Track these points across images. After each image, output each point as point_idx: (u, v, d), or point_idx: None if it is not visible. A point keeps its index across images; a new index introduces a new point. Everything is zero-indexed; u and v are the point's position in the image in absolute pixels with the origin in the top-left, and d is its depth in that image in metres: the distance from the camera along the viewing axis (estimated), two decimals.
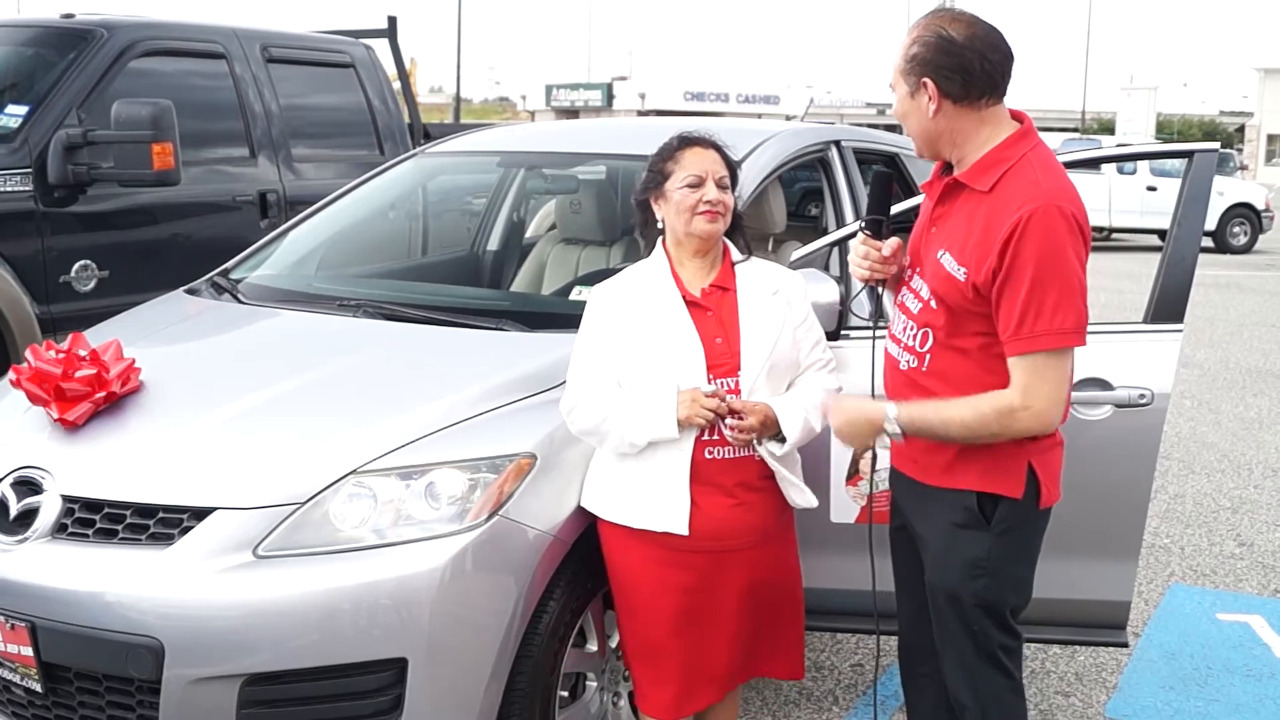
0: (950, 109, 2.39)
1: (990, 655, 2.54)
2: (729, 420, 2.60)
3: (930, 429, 2.43)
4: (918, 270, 2.53)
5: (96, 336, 3.25)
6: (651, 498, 2.65)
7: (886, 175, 2.68)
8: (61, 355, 2.93)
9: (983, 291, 2.33)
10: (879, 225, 2.58)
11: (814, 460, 2.99)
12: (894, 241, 2.58)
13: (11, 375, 3.02)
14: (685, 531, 2.63)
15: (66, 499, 2.71)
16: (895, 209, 2.69)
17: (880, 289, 2.65)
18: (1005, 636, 2.54)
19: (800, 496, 2.78)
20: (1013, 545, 2.48)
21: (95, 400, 2.88)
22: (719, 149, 2.78)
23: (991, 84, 2.38)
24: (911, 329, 2.51)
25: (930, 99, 2.38)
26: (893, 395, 2.58)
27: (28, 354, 3.00)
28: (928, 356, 2.47)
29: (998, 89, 2.40)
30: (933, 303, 2.44)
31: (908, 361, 2.52)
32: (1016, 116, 2.45)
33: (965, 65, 2.36)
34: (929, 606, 2.60)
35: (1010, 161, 2.37)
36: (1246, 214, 20.70)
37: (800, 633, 2.93)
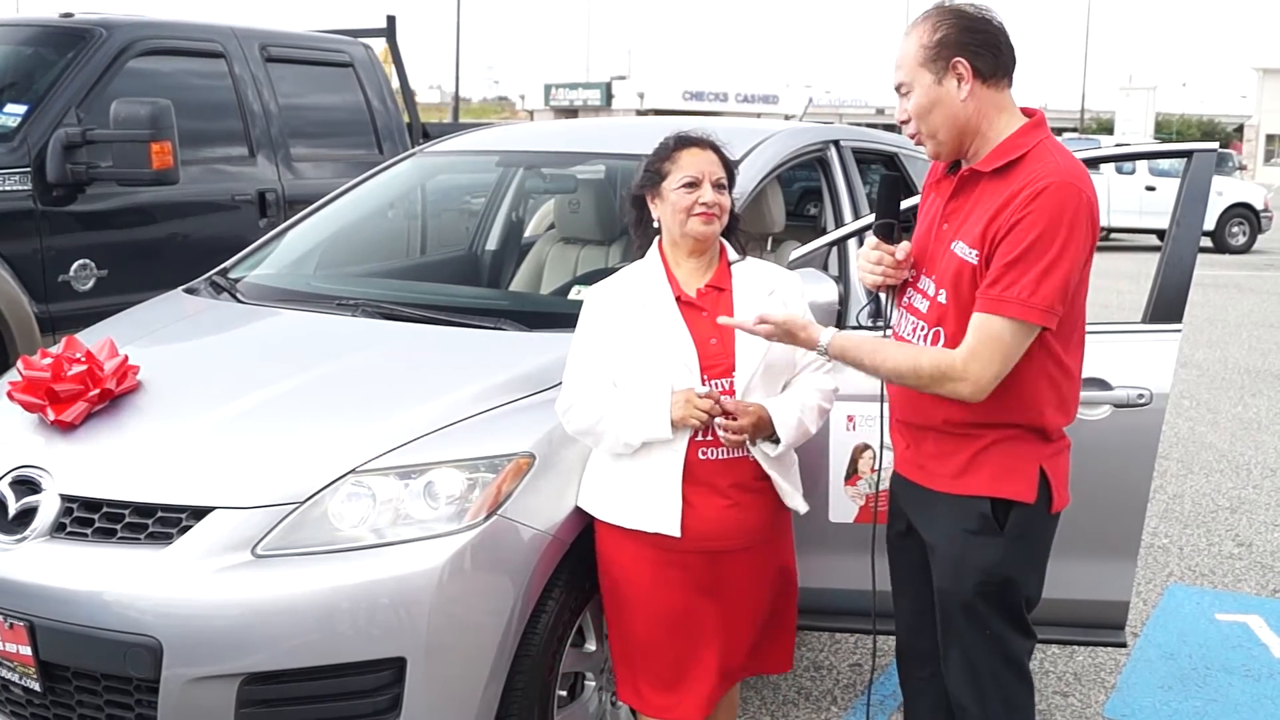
0: (980, 89, 2.37)
1: (1006, 658, 2.53)
2: (722, 420, 2.60)
3: (857, 361, 2.46)
4: (924, 270, 2.52)
5: (94, 336, 3.25)
6: (645, 498, 2.65)
7: (895, 178, 2.67)
8: (51, 360, 2.93)
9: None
10: (890, 229, 2.56)
11: (812, 460, 2.99)
12: (905, 245, 2.55)
13: (6, 387, 3.03)
14: (677, 533, 2.63)
15: (65, 498, 2.71)
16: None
17: (886, 294, 2.64)
18: (1022, 639, 2.54)
19: (790, 500, 2.76)
20: (1026, 549, 2.47)
21: (90, 399, 2.88)
22: (717, 149, 2.77)
23: (1012, 62, 2.40)
24: (922, 329, 2.49)
25: (963, 79, 2.36)
26: (903, 399, 2.57)
27: (18, 365, 3.00)
28: None
29: (1012, 71, 2.41)
30: (941, 298, 2.42)
31: None
32: (1027, 111, 2.45)
33: (994, 41, 2.37)
34: (934, 611, 2.58)
35: (1027, 147, 2.36)
36: (1245, 214, 20.70)
37: (792, 624, 2.92)
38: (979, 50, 2.36)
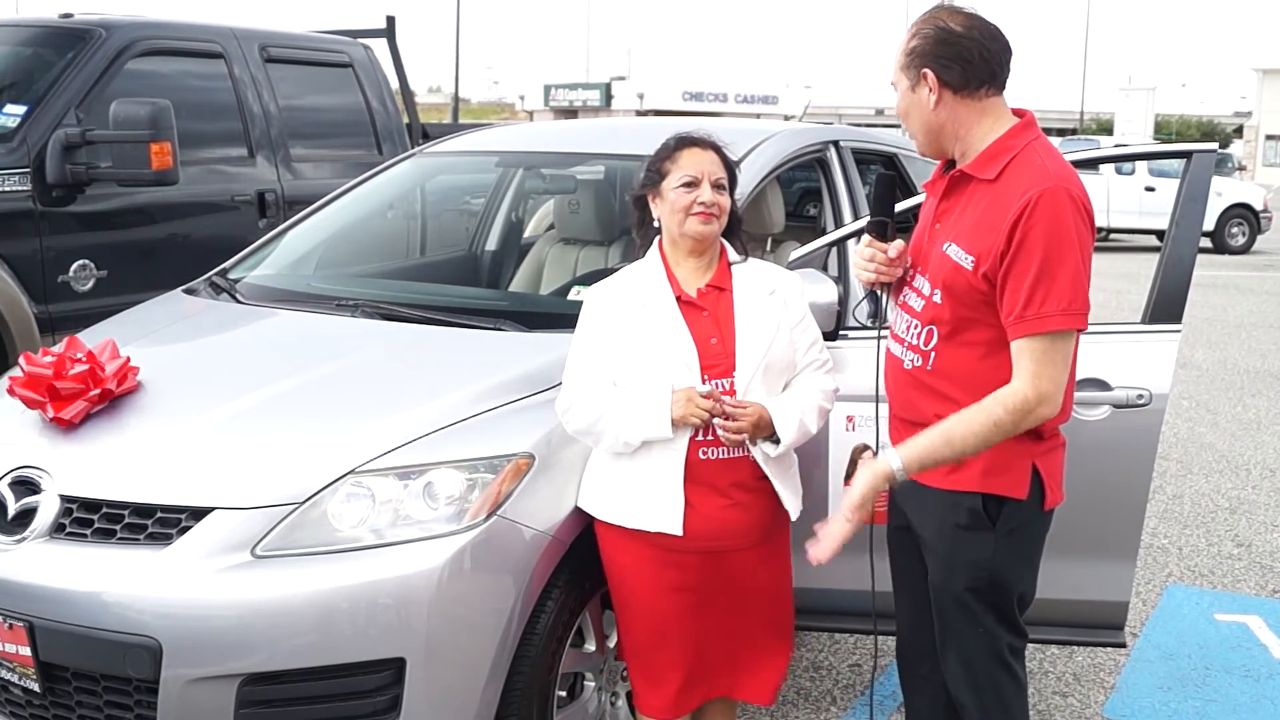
0: (951, 100, 2.40)
1: (997, 655, 2.54)
2: (722, 420, 2.60)
3: (941, 459, 2.39)
4: (919, 269, 2.54)
5: (94, 336, 3.25)
6: (646, 498, 2.65)
7: (889, 177, 2.68)
8: (54, 358, 2.93)
9: (992, 279, 2.34)
10: (884, 227, 2.58)
11: (811, 460, 2.99)
12: (899, 244, 2.58)
13: (7, 383, 3.03)
14: (679, 532, 2.63)
15: (65, 499, 2.71)
16: (898, 208, 2.69)
17: (883, 292, 2.65)
18: (1012, 636, 2.55)
19: (792, 500, 2.76)
20: (1017, 546, 2.48)
21: (90, 398, 2.88)
22: (718, 150, 2.78)
23: (990, 73, 2.40)
24: (916, 327, 2.51)
25: (931, 90, 2.40)
26: (897, 396, 2.59)
27: (21, 361, 3.00)
28: (933, 354, 2.47)
29: (997, 78, 2.42)
30: (936, 297, 2.44)
31: (912, 360, 2.52)
32: (1017, 112, 2.47)
33: (964, 54, 2.38)
34: (930, 607, 2.60)
35: (1015, 150, 2.38)
36: (1245, 215, 20.69)
37: (783, 658, 2.89)
38: (948, 64, 2.38)
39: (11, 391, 2.95)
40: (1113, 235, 21.24)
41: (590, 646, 2.97)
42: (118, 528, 2.64)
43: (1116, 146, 18.70)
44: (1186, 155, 3.15)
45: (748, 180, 3.50)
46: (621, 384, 2.68)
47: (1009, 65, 2.44)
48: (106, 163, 5.05)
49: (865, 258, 2.59)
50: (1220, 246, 20.34)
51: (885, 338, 2.65)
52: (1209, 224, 19.52)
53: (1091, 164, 3.43)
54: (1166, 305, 3.05)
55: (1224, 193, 20.27)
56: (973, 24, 2.40)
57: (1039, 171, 2.32)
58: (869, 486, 2.42)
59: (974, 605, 2.49)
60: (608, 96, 61.09)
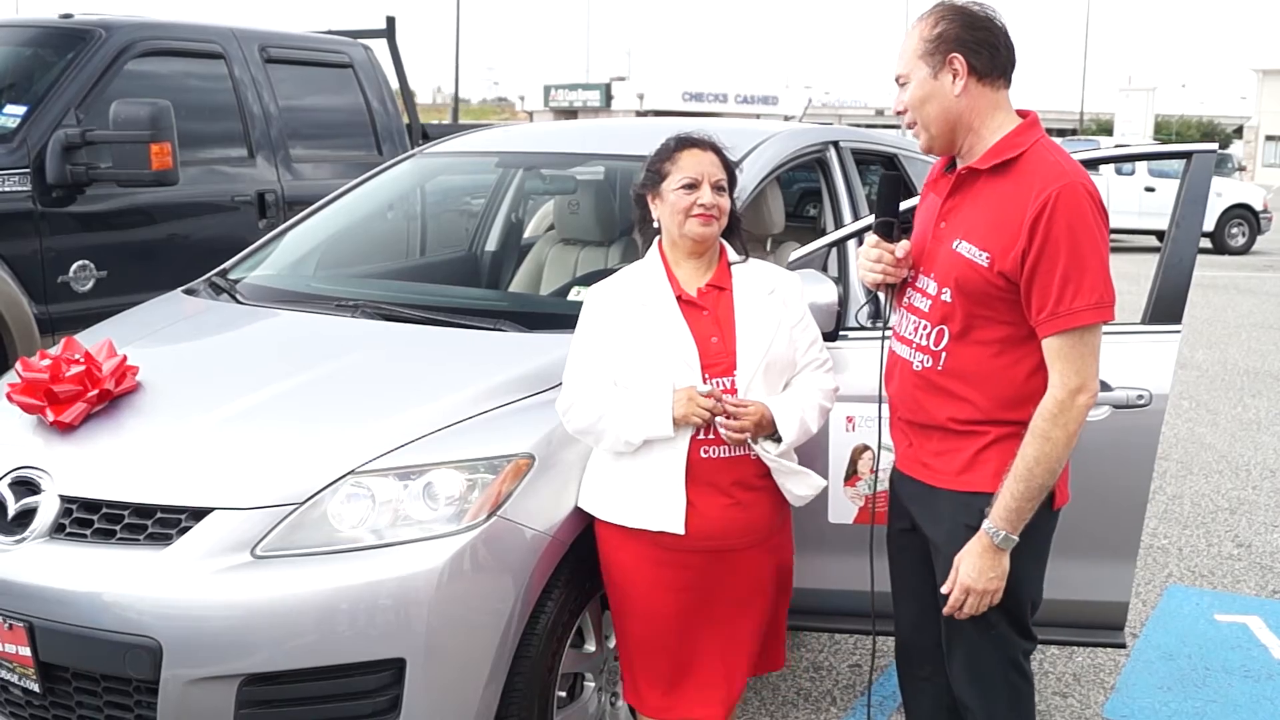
0: (975, 87, 2.40)
1: (1010, 660, 2.54)
2: (724, 419, 2.60)
3: (1029, 499, 2.35)
4: (923, 269, 2.53)
5: (94, 337, 3.25)
6: (647, 497, 2.65)
7: (895, 177, 2.68)
8: (50, 361, 2.93)
9: (1010, 277, 2.34)
10: (890, 227, 2.58)
11: (811, 461, 2.98)
12: (905, 244, 2.57)
13: (5, 388, 3.03)
14: (681, 531, 2.63)
15: (64, 499, 2.71)
16: (901, 208, 2.69)
17: (886, 294, 2.64)
18: (1023, 640, 2.55)
19: (802, 485, 2.75)
20: (1026, 546, 2.46)
21: (89, 399, 2.88)
22: (718, 150, 2.78)
23: (1011, 62, 2.43)
24: (925, 328, 2.50)
25: (957, 75, 2.39)
26: (905, 398, 2.57)
27: (17, 366, 3.00)
28: (944, 355, 2.46)
29: (1009, 72, 2.44)
30: (945, 296, 2.43)
31: (921, 362, 2.50)
32: (1021, 113, 2.47)
33: (992, 40, 2.40)
34: (937, 610, 2.58)
35: (1023, 146, 2.39)
36: (1245, 215, 20.69)
37: (784, 622, 2.93)
38: (977, 48, 2.39)
39: (10, 398, 2.96)
40: (1113, 235, 21.22)
41: (590, 646, 2.97)
42: (117, 528, 2.64)
43: (1116, 147, 18.70)
44: (1186, 155, 3.15)
45: (748, 181, 3.50)
46: (622, 384, 2.68)
47: (1015, 64, 2.46)
48: (106, 163, 5.05)
49: (872, 259, 2.57)
50: (1220, 247, 20.34)
51: (889, 338, 2.64)
52: (1209, 224, 19.53)
53: (1091, 164, 3.41)
54: (1166, 306, 3.05)
55: (1224, 193, 20.27)
56: (991, 15, 2.43)
57: (1053, 169, 2.33)
58: (979, 570, 2.40)
59: (986, 609, 2.48)
60: (607, 97, 61.10)
